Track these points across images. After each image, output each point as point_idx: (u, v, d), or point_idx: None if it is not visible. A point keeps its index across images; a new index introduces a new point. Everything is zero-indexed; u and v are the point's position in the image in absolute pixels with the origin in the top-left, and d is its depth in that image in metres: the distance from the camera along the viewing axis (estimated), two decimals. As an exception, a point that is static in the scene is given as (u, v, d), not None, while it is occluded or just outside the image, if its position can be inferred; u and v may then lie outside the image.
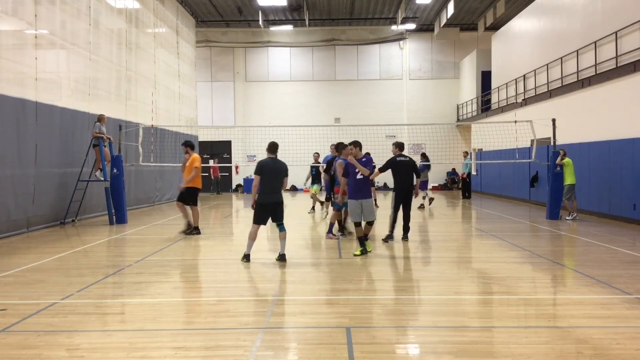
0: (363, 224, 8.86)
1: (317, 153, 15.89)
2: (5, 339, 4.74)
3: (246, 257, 8.18)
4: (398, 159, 10.22)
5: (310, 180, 15.45)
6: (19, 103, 11.53)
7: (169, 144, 19.94)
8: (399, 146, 10.49)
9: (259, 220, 8.22)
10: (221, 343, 4.60)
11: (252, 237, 8.24)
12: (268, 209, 8.16)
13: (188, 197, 11.12)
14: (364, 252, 8.60)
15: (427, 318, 5.38)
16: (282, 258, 8.16)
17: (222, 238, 11.76)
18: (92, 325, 5.23)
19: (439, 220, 14.79)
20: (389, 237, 10.15)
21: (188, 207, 11.21)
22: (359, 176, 8.75)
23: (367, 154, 9.73)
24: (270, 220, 8.31)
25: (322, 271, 7.61)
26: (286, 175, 8.26)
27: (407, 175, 10.16)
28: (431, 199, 18.72)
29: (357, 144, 9.04)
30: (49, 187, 12.71)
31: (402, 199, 10.15)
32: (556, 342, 4.56)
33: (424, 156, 18.53)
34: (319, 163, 15.34)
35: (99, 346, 4.57)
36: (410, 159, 10.38)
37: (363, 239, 8.71)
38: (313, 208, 15.99)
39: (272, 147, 8.27)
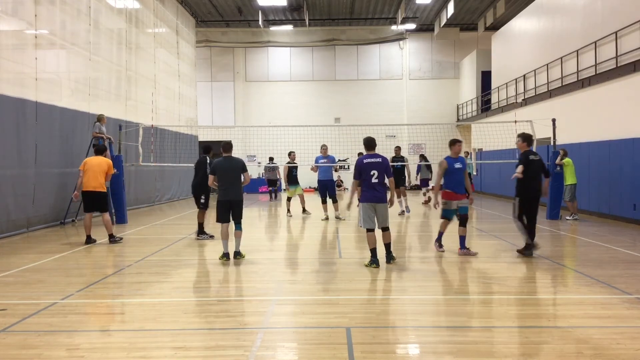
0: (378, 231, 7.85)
1: (293, 152, 15.24)
2: (5, 339, 4.74)
3: (225, 256, 8.34)
4: (530, 157, 8.40)
5: (287, 182, 14.73)
6: (19, 103, 11.52)
7: (169, 144, 19.94)
8: (527, 139, 8.58)
9: (221, 218, 8.43)
10: (221, 343, 4.60)
11: (224, 236, 8.42)
12: (228, 206, 8.36)
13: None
14: (375, 264, 7.65)
15: (427, 318, 5.38)
16: (235, 255, 8.38)
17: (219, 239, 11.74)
18: (92, 325, 5.24)
19: (439, 220, 14.76)
20: (528, 248, 8.42)
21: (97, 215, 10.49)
22: (374, 180, 7.69)
23: (360, 153, 9.37)
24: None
25: (322, 271, 7.60)
26: (243, 171, 8.44)
27: (537, 177, 8.41)
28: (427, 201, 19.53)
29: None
30: (49, 187, 12.71)
31: (528, 206, 8.40)
32: (556, 342, 4.56)
33: (422, 157, 19.41)
34: (295, 163, 14.87)
35: (99, 346, 4.57)
36: (540, 156, 8.65)
37: (375, 250, 7.77)
38: (289, 210, 15.11)
39: (226, 146, 8.53)
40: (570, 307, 5.77)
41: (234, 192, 8.35)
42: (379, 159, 7.80)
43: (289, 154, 15.20)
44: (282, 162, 20.77)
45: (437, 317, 5.38)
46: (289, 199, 15.22)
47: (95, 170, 10.18)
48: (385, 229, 7.84)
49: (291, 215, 15.01)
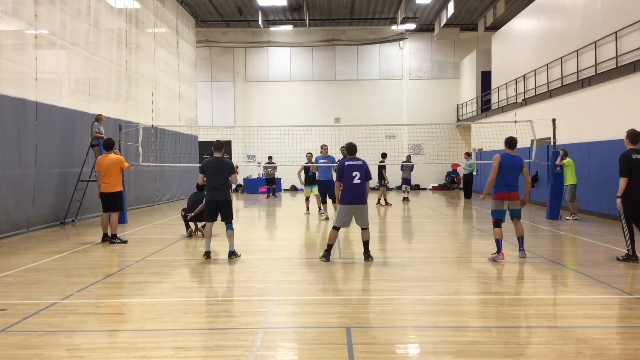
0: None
1: (310, 153, 15.62)
2: (5, 339, 4.74)
3: (206, 255, 8.42)
4: (634, 155, 7.85)
5: (304, 181, 15.20)
6: (19, 103, 11.52)
7: (169, 144, 19.94)
8: (631, 137, 8.01)
9: (208, 217, 8.57)
10: (221, 343, 4.60)
11: (208, 235, 8.56)
12: (215, 206, 8.44)
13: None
14: (326, 258, 8.08)
15: (427, 318, 5.38)
16: (230, 255, 8.44)
17: (222, 238, 11.74)
18: (92, 325, 5.24)
19: (439, 220, 14.78)
20: (630, 257, 7.94)
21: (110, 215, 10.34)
22: (355, 180, 7.96)
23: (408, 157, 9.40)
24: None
25: (322, 271, 7.60)
26: (231, 172, 8.48)
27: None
28: (407, 198, 20.86)
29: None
30: (49, 187, 12.71)
31: (633, 209, 7.83)
32: (556, 342, 4.56)
33: (408, 158, 20.76)
34: (313, 163, 15.08)
35: (99, 346, 4.57)
36: None
37: (332, 247, 8.17)
38: (308, 209, 15.63)
39: (216, 146, 8.55)
40: (570, 307, 5.77)
41: (221, 193, 8.41)
42: (359, 162, 8.12)
43: (307, 155, 15.60)
44: (282, 162, 20.85)
45: (437, 317, 5.38)
46: (307, 199, 15.61)
47: (107, 171, 10.21)
48: (364, 229, 8.13)
49: (308, 213, 15.36)
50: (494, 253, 8.20)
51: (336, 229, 8.15)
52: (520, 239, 8.32)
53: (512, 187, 8.07)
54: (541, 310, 5.68)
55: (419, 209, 17.90)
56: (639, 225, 7.97)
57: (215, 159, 8.49)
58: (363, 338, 4.68)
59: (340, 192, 8.09)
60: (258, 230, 13.30)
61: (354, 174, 7.97)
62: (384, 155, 19.02)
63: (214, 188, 8.40)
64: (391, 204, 18.71)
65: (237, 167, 29.05)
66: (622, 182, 7.77)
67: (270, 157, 23.52)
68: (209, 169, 8.42)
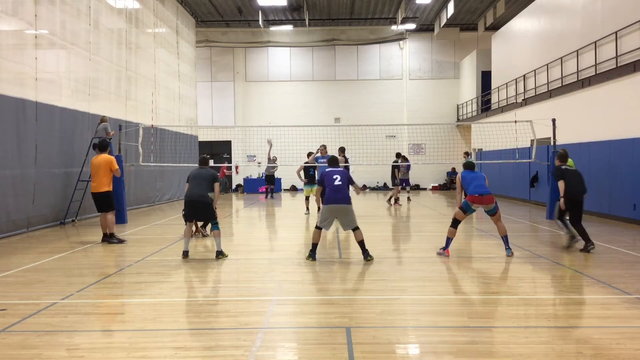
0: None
1: (312, 152, 15.70)
2: (5, 339, 4.74)
3: (184, 254, 8.57)
4: (563, 166, 9.31)
5: (304, 179, 15.38)
6: (19, 103, 11.53)
7: (169, 144, 19.94)
8: (560, 157, 9.54)
9: (188, 217, 8.94)
10: (221, 343, 4.60)
11: (186, 234, 8.81)
12: (192, 206, 8.70)
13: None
14: (312, 257, 8.21)
15: (427, 318, 5.38)
16: (217, 255, 8.56)
17: (222, 238, 11.74)
18: (92, 325, 5.24)
19: (439, 220, 14.77)
20: (589, 246, 8.84)
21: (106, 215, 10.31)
22: (336, 182, 8.23)
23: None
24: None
25: (322, 271, 7.61)
26: (214, 181, 8.80)
27: (577, 182, 9.15)
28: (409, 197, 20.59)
29: None
30: (49, 187, 12.71)
31: (572, 207, 9.03)
32: (556, 342, 4.56)
33: (404, 158, 19.87)
34: (314, 162, 15.17)
35: (99, 346, 4.58)
36: (576, 169, 9.48)
37: (316, 246, 8.31)
38: (308, 208, 15.68)
39: (201, 161, 9.20)
40: (570, 307, 5.77)
41: (198, 192, 8.64)
42: (340, 169, 8.63)
43: (308, 155, 15.72)
44: (282, 162, 20.86)
45: (437, 317, 5.38)
46: (307, 198, 15.76)
47: (97, 171, 10.26)
48: (355, 229, 8.24)
49: (308, 213, 15.43)
50: (442, 248, 8.76)
51: (319, 228, 8.29)
52: (505, 238, 8.72)
53: (483, 189, 8.61)
54: (541, 310, 5.68)
55: (419, 209, 17.89)
56: (573, 219, 9.04)
57: (199, 168, 8.96)
58: (363, 338, 4.68)
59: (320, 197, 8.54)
60: (258, 230, 13.30)
61: (334, 176, 8.35)
62: (398, 155, 19.05)
63: (193, 189, 8.69)
64: (401, 205, 18.73)
65: (237, 167, 29.13)
66: (561, 185, 9.01)
67: (275, 158, 23.44)
68: (192, 176, 8.85)
